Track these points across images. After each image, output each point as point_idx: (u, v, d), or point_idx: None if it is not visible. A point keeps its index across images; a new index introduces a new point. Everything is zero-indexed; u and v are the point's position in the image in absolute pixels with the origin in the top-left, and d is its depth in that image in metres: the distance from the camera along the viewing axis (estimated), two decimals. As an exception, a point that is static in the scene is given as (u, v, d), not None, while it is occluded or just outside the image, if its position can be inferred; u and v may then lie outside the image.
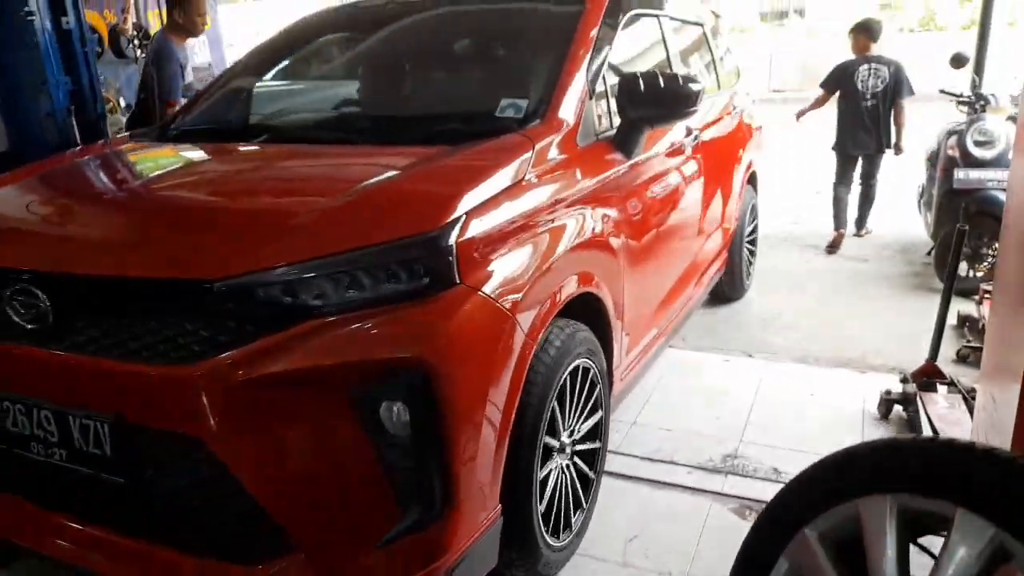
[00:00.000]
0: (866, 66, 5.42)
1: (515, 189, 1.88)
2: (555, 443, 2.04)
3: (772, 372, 3.54)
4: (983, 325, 3.65)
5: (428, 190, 1.80)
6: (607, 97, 2.48)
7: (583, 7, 2.57)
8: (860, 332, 4.04)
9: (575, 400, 2.11)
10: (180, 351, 1.55)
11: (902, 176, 6.55)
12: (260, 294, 1.53)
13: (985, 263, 4.46)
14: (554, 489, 2.07)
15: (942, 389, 3.04)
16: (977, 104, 4.68)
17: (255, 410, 1.52)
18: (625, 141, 2.44)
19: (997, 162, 4.43)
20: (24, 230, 1.98)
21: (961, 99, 4.83)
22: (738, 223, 4.12)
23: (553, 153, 2.10)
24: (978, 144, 4.49)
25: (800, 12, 28.49)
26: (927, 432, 2.75)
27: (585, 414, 2.20)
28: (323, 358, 1.51)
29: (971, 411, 2.83)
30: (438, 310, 1.59)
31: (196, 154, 2.49)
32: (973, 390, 3.00)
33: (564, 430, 2.08)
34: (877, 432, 2.98)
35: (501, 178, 1.85)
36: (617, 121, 2.45)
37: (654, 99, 2.30)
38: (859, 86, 5.41)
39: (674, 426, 3.03)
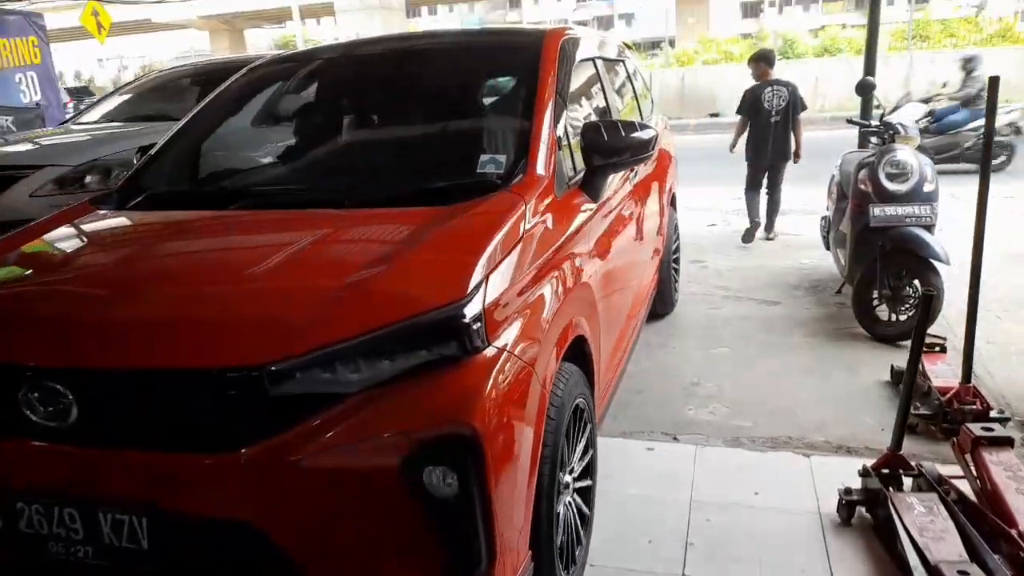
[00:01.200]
0: (770, 89, 6.21)
1: (519, 246, 1.92)
2: (564, 480, 2.06)
3: (705, 462, 2.94)
4: (929, 386, 3.19)
5: (451, 258, 1.81)
6: (569, 144, 2.51)
7: (540, 56, 2.63)
8: (791, 398, 3.52)
9: (574, 439, 2.15)
10: (222, 438, 1.55)
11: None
12: (304, 376, 1.54)
13: (907, 305, 4.07)
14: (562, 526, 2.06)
15: (909, 482, 2.51)
16: (886, 134, 4.32)
17: (303, 489, 1.53)
18: (592, 187, 2.53)
19: (912, 196, 4.06)
20: (31, 320, 1.82)
21: (870, 129, 4.46)
22: (665, 243, 4.30)
23: (540, 206, 2.14)
24: (891, 177, 4.11)
25: (671, 42, 29.37)
26: (909, 550, 2.18)
27: (580, 452, 2.21)
28: (368, 434, 1.54)
29: (950, 511, 2.31)
30: (475, 375, 1.62)
31: (189, 226, 2.33)
32: (944, 481, 2.49)
33: (568, 468, 2.10)
34: (843, 545, 2.41)
35: (508, 238, 1.89)
36: (579, 166, 2.51)
37: (617, 147, 2.40)
38: (766, 106, 6.17)
39: (599, 560, 2.35)
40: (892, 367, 3.59)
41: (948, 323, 4.11)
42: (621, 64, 4.01)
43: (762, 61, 6.30)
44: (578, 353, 2.21)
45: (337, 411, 1.54)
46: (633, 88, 4.14)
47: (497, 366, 1.66)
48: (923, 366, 3.36)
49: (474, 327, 1.63)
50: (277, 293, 1.76)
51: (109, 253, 2.26)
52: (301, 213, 2.24)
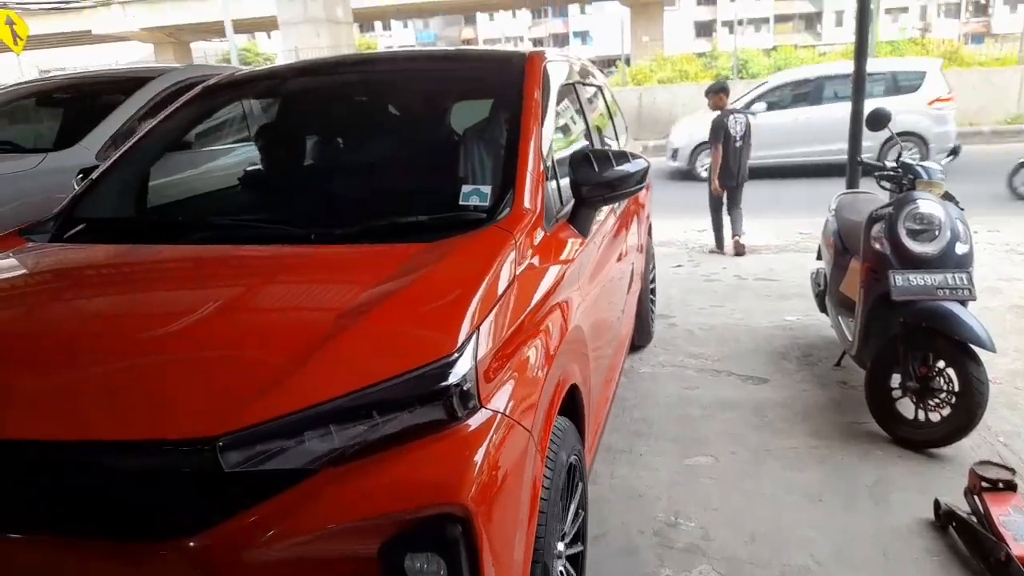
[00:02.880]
0: (732, 117, 6.76)
1: (511, 290, 1.71)
2: (557, 549, 1.78)
3: None
4: (1007, 554, 2.21)
5: (435, 306, 1.57)
6: (555, 174, 2.32)
7: (522, 82, 2.43)
8: (804, 553, 2.51)
9: (568, 501, 1.89)
10: (167, 524, 1.30)
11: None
12: (261, 449, 1.32)
13: (938, 400, 3.12)
14: None
15: None
16: (904, 179, 3.38)
17: None
18: (581, 221, 2.32)
19: (943, 260, 3.11)
20: None
21: (885, 173, 3.51)
22: (645, 273, 4.15)
23: (531, 243, 1.94)
24: (915, 235, 3.16)
25: (627, 60, 28.85)
26: None
27: (572, 514, 1.95)
28: (341, 516, 1.30)
29: None
30: (466, 444, 1.40)
31: (130, 265, 2.02)
32: None
33: (559, 534, 1.81)
34: None
35: (500, 281, 1.69)
36: (567, 197, 2.34)
37: (608, 179, 2.21)
38: (731, 132, 6.69)
39: None
40: (937, 505, 2.61)
41: (997, 430, 3.17)
42: (596, 88, 3.73)
43: (721, 92, 6.82)
44: (569, 403, 1.97)
45: (304, 490, 1.31)
46: (609, 111, 3.90)
47: (491, 432, 1.45)
48: (988, 513, 2.39)
49: (464, 387, 1.43)
50: (229, 352, 1.52)
51: (31, 299, 1.92)
52: (260, 250, 1.96)
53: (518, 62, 2.58)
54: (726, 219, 6.98)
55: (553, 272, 1.99)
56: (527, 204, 2.03)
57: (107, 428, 1.36)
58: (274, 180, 2.73)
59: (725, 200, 6.90)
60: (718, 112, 6.76)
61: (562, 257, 2.11)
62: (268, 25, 30.41)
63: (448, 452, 1.38)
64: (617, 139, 3.97)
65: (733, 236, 6.90)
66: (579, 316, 2.13)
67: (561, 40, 51.93)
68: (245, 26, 33.05)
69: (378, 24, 45.25)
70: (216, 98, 2.94)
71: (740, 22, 47.06)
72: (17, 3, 29.11)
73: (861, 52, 5.55)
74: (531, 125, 2.26)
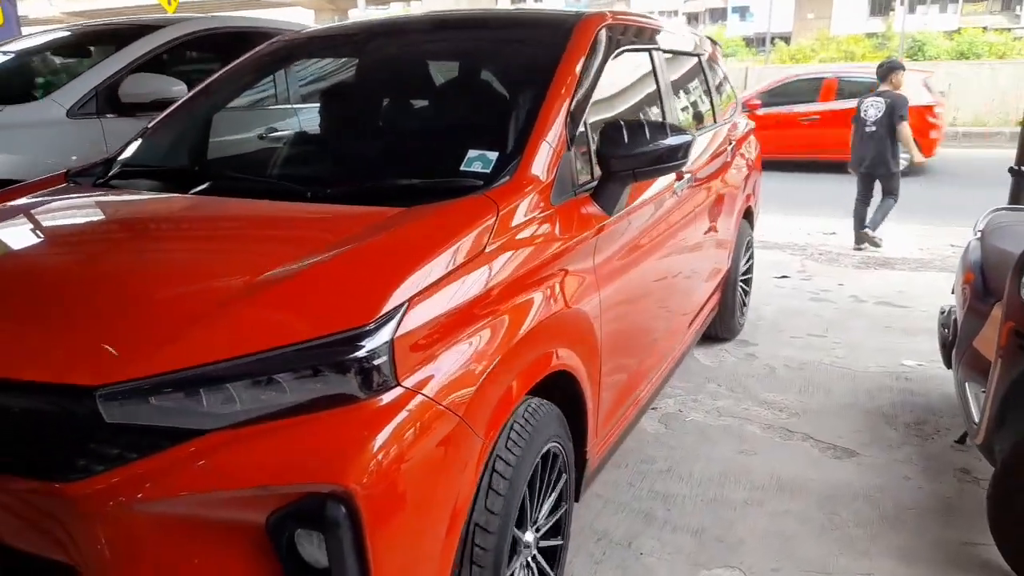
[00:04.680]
0: (868, 100, 6.21)
1: (471, 264, 1.58)
2: (520, 536, 1.69)
3: None
4: None
5: (363, 273, 1.46)
6: (589, 144, 2.14)
7: (564, 45, 2.25)
8: None
9: (542, 490, 1.78)
10: (60, 466, 1.26)
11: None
12: (152, 403, 1.28)
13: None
14: None
15: None
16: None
17: (144, 540, 1.27)
18: (605, 196, 2.09)
19: None
20: None
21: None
22: (732, 262, 3.77)
23: (521, 216, 1.78)
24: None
25: (786, 39, 26.70)
26: None
27: (551, 505, 1.86)
28: (224, 482, 1.25)
29: None
30: (365, 421, 1.30)
31: (114, 213, 2.08)
32: None
33: (530, 525, 1.74)
34: None
35: (455, 253, 1.55)
36: (598, 171, 2.11)
37: (638, 152, 1.99)
38: (862, 115, 6.16)
39: None
40: None
41: None
42: (694, 59, 3.49)
43: (892, 72, 6.20)
44: (563, 388, 1.85)
45: (191, 449, 1.25)
46: (707, 86, 3.60)
47: (403, 412, 1.33)
48: None
49: (375, 362, 1.32)
50: (146, 299, 1.46)
51: (11, 241, 1.89)
52: (248, 204, 1.93)
53: (569, 23, 2.40)
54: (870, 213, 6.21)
55: (549, 246, 1.84)
56: (532, 172, 1.88)
57: (6, 366, 1.35)
58: (299, 139, 2.80)
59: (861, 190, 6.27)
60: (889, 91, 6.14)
61: (570, 232, 1.93)
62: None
63: (344, 427, 1.30)
64: (715, 116, 3.64)
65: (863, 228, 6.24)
66: (586, 298, 1.96)
67: (719, 15, 48.83)
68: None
69: (530, -5, 44.43)
70: (272, 56, 2.88)
71: (923, 1, 42.17)
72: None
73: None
74: (560, 90, 2.08)
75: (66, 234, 1.96)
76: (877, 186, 6.27)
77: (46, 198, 2.14)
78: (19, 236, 1.94)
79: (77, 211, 2.08)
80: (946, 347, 3.13)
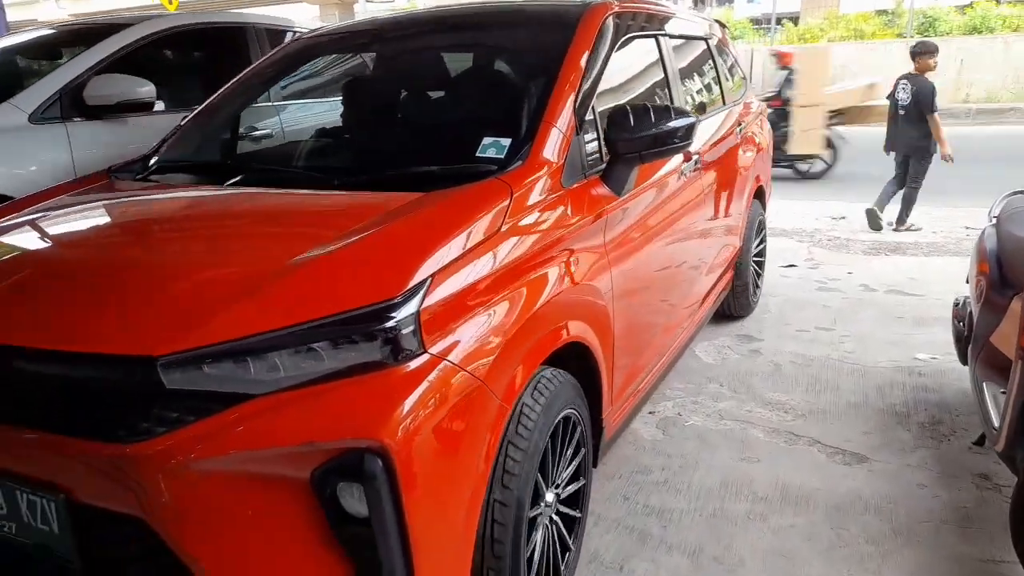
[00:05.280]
0: (902, 82, 6.03)
1: (489, 243, 1.69)
2: (540, 508, 1.82)
3: None
4: None
5: (390, 252, 1.60)
6: (597, 129, 2.23)
7: (572, 34, 2.33)
8: None
9: (561, 452, 1.90)
10: (126, 429, 1.39)
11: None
12: (206, 371, 1.40)
13: None
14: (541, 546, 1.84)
15: None
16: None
17: (203, 493, 1.37)
18: (614, 177, 2.20)
19: None
20: None
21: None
22: (744, 241, 3.81)
23: (535, 197, 1.90)
24: None
25: (794, 20, 26.19)
26: None
27: (569, 462, 1.97)
28: (276, 440, 1.37)
29: None
30: (397, 384, 1.42)
31: (159, 203, 2.23)
32: None
33: (549, 488, 1.86)
34: None
35: (473, 232, 1.67)
36: (607, 154, 2.22)
37: (644, 135, 2.09)
38: (896, 98, 6.04)
39: None
40: None
41: None
42: (702, 43, 3.57)
43: (925, 55, 5.96)
44: (578, 359, 1.98)
45: (242, 412, 1.37)
46: (716, 69, 3.66)
47: (430, 376, 1.45)
48: None
49: (404, 331, 1.44)
50: (192, 280, 1.61)
51: (72, 231, 2.08)
52: (278, 194, 2.10)
53: (577, 10, 2.48)
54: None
55: (561, 226, 1.94)
56: (545, 156, 1.97)
57: (70, 339, 1.47)
58: (324, 130, 2.89)
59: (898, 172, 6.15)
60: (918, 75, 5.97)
61: (581, 212, 2.03)
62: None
63: (378, 390, 1.40)
64: (723, 99, 3.69)
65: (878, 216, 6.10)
66: (598, 274, 2.06)
67: (725, -2, 48.15)
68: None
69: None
70: (299, 52, 3.00)
71: (933, -24, 41.22)
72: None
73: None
74: (569, 75, 2.17)
75: (119, 223, 2.11)
76: None
77: (94, 193, 2.29)
78: (76, 227, 2.09)
79: (126, 203, 2.25)
80: (961, 342, 2.91)
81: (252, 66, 2.96)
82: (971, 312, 2.80)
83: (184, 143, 2.62)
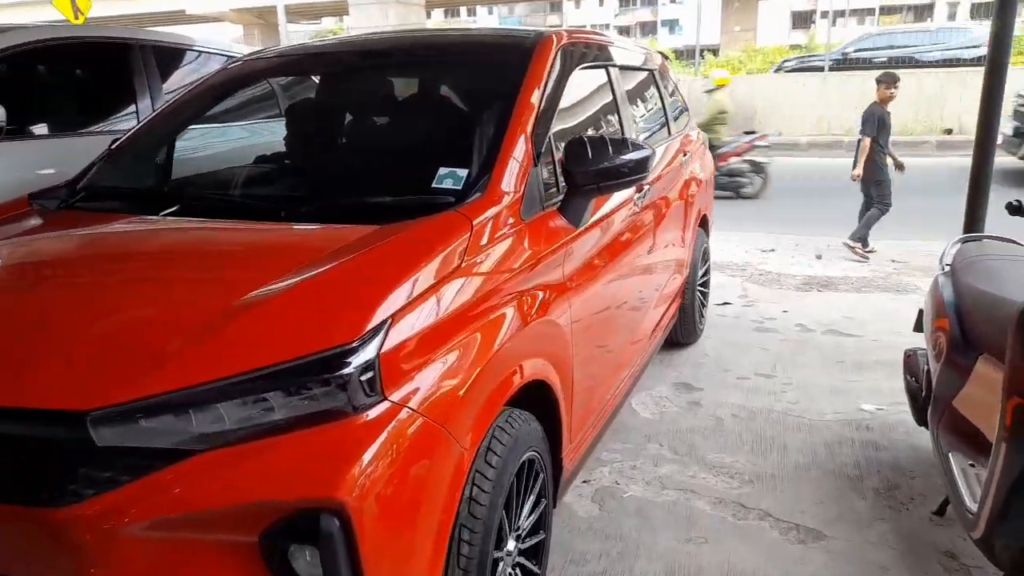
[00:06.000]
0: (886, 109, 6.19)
1: (449, 279, 1.60)
2: (501, 553, 1.70)
3: None
4: None
5: (345, 291, 1.49)
6: (554, 160, 2.17)
7: (527, 63, 2.28)
8: None
9: (522, 496, 1.80)
10: (53, 492, 1.25)
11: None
12: (142, 425, 1.28)
13: None
14: None
15: None
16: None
17: (139, 560, 1.26)
18: (572, 209, 2.14)
19: None
20: None
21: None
22: (691, 269, 3.79)
23: (494, 231, 1.81)
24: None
25: (714, 51, 26.92)
26: None
27: (530, 508, 1.87)
28: (216, 500, 1.25)
29: None
30: (354, 436, 1.31)
31: (89, 237, 2.01)
32: None
33: (511, 534, 1.75)
34: None
35: (433, 269, 1.58)
36: (563, 185, 2.14)
37: (603, 167, 2.05)
38: (887, 123, 6.14)
39: None
40: None
41: None
42: (647, 73, 3.56)
43: (893, 82, 6.16)
44: (537, 397, 1.86)
45: (184, 469, 1.25)
46: (661, 100, 3.67)
47: (390, 426, 1.35)
48: None
49: (361, 378, 1.33)
50: (131, 323, 1.48)
51: None
52: (221, 225, 1.95)
53: (530, 41, 2.42)
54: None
55: (521, 260, 1.86)
56: (502, 188, 1.90)
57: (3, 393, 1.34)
58: (268, 159, 2.68)
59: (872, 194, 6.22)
60: (873, 102, 6.18)
61: (540, 245, 1.96)
62: (343, 9, 29.56)
63: (335, 443, 1.30)
64: (668, 127, 3.67)
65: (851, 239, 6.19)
66: (559, 308, 1.99)
67: (649, 28, 49.34)
68: (321, 9, 32.50)
69: (463, 10, 44.06)
70: (235, 76, 2.85)
71: (842, 13, 43.33)
72: (116, -17, 29.36)
73: (1000, 47, 3.79)
74: (525, 107, 2.12)
75: (42, 259, 1.92)
76: None
77: (12, 224, 2.07)
78: (10, 257, 1.90)
79: (48, 236, 2.05)
80: (916, 400, 2.68)
81: (190, 87, 2.77)
82: (928, 369, 2.57)
83: (115, 168, 2.39)
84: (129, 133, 2.58)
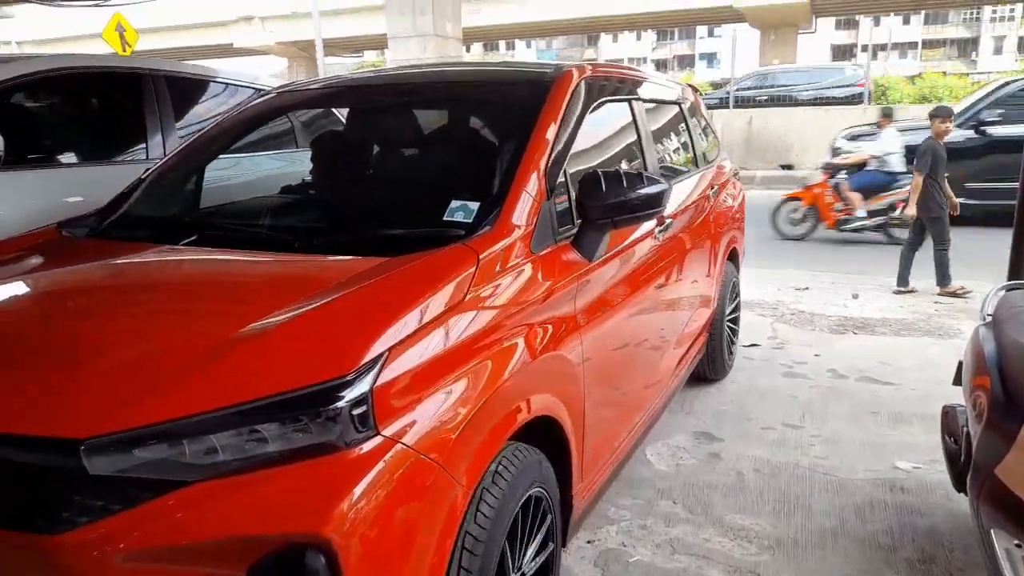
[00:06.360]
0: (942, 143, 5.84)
1: (451, 313, 1.58)
2: None
3: None
4: None
5: (344, 324, 1.49)
6: (569, 193, 2.15)
7: (544, 98, 2.27)
8: None
9: (526, 536, 1.75)
10: (45, 519, 1.27)
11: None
12: (136, 455, 1.28)
13: None
14: None
15: None
16: None
17: None
18: (585, 243, 2.11)
19: None
20: None
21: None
22: (719, 303, 3.72)
23: (502, 263, 1.80)
24: None
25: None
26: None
27: (536, 549, 1.81)
28: (208, 531, 1.25)
29: None
30: (345, 472, 1.30)
31: (102, 268, 2.04)
32: None
33: (514, 573, 1.69)
34: None
35: (435, 303, 1.57)
36: (579, 219, 2.13)
37: (616, 201, 2.03)
38: (942, 157, 5.79)
39: None
40: None
41: None
42: (675, 106, 3.53)
43: (949, 117, 5.94)
44: (545, 433, 1.83)
45: (174, 500, 1.25)
46: (689, 132, 3.63)
47: (382, 461, 1.33)
48: None
49: (353, 412, 1.32)
50: (131, 353, 1.49)
51: (19, 289, 1.93)
52: (234, 257, 1.98)
53: (549, 76, 2.42)
54: (922, 257, 5.92)
55: (528, 293, 1.83)
56: (513, 221, 1.89)
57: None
58: (288, 191, 2.76)
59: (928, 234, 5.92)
60: (929, 136, 5.88)
61: (552, 279, 1.94)
62: (383, 43, 30.30)
63: (325, 477, 1.29)
64: (696, 161, 3.63)
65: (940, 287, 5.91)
66: (569, 342, 1.95)
67: (687, 62, 49.31)
68: (362, 43, 33.15)
69: (502, 44, 44.60)
70: (265, 109, 2.93)
71: (883, 47, 42.76)
72: (168, 25, 30.45)
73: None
74: (540, 140, 2.10)
75: (53, 289, 1.95)
76: None
77: (37, 251, 2.13)
78: (6, 290, 1.91)
79: (65, 265, 2.07)
80: (955, 463, 2.42)
81: (220, 119, 2.83)
82: (968, 432, 2.32)
83: (142, 198, 2.45)
84: (158, 164, 2.63)
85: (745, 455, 3.16)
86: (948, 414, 2.59)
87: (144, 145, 3.41)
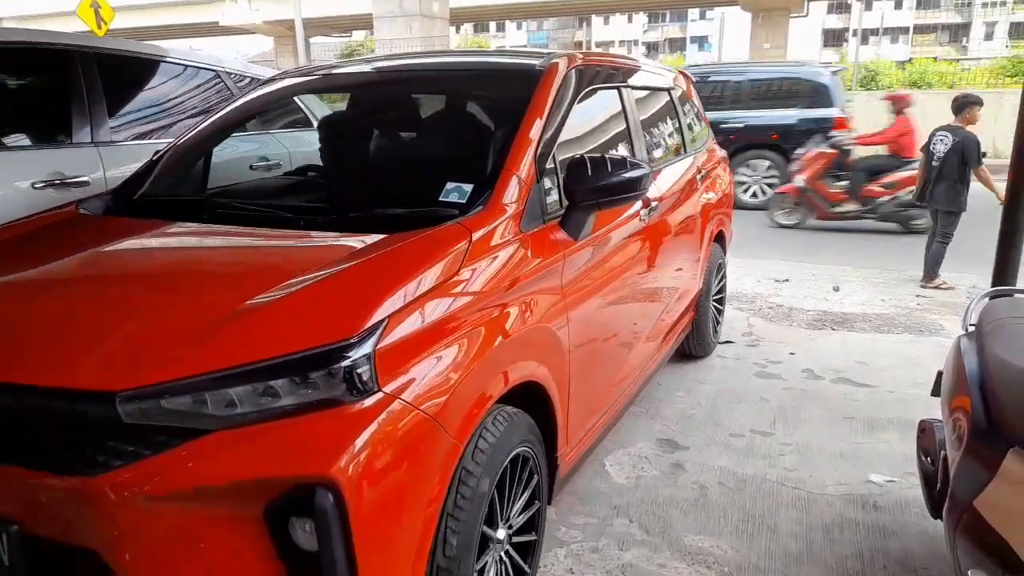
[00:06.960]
0: (939, 133, 5.72)
1: (446, 285, 1.73)
2: (492, 533, 1.83)
3: None
4: None
5: (348, 293, 1.65)
6: (557, 177, 2.28)
7: (535, 86, 2.39)
8: None
9: (513, 490, 1.92)
10: (83, 462, 1.41)
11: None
12: (163, 406, 1.43)
13: None
14: None
15: None
16: None
17: (156, 526, 1.40)
18: (572, 223, 2.25)
19: None
20: None
21: None
22: (704, 283, 3.82)
23: (493, 241, 1.94)
24: None
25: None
26: None
27: (523, 504, 1.98)
28: (227, 474, 1.39)
29: None
30: (349, 421, 1.44)
31: (124, 241, 2.19)
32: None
33: (502, 524, 1.88)
34: None
35: (431, 275, 1.71)
36: (567, 201, 2.27)
37: (600, 184, 2.17)
38: (931, 149, 5.74)
39: None
40: None
41: None
42: (665, 92, 3.64)
43: (975, 106, 5.71)
44: (533, 398, 2.00)
45: (199, 447, 1.39)
46: (679, 119, 3.73)
47: (383, 414, 1.47)
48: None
49: (358, 370, 1.47)
50: (157, 316, 1.65)
51: (43, 261, 2.06)
52: (244, 232, 2.09)
53: (538, 67, 2.51)
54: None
55: (518, 270, 1.96)
56: (504, 201, 2.02)
57: (31, 374, 1.50)
58: (298, 172, 3.04)
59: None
60: (959, 127, 5.68)
61: (539, 256, 2.07)
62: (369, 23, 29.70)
63: (332, 427, 1.42)
64: (685, 147, 3.75)
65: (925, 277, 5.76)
66: (555, 315, 2.09)
67: (678, 45, 48.75)
68: (348, 23, 32.56)
69: (492, 25, 43.95)
70: (269, 90, 3.05)
71: (875, 31, 42.37)
72: (151, 2, 29.80)
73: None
74: (530, 125, 2.23)
75: (82, 260, 2.06)
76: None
77: (60, 227, 2.26)
78: (39, 262, 2.03)
79: (93, 237, 2.19)
80: (931, 486, 2.21)
81: (229, 103, 2.98)
82: (945, 455, 2.10)
83: (155, 178, 2.59)
84: (170, 146, 2.77)
85: (710, 466, 2.95)
86: (925, 430, 2.37)
87: (68, 124, 3.13)
